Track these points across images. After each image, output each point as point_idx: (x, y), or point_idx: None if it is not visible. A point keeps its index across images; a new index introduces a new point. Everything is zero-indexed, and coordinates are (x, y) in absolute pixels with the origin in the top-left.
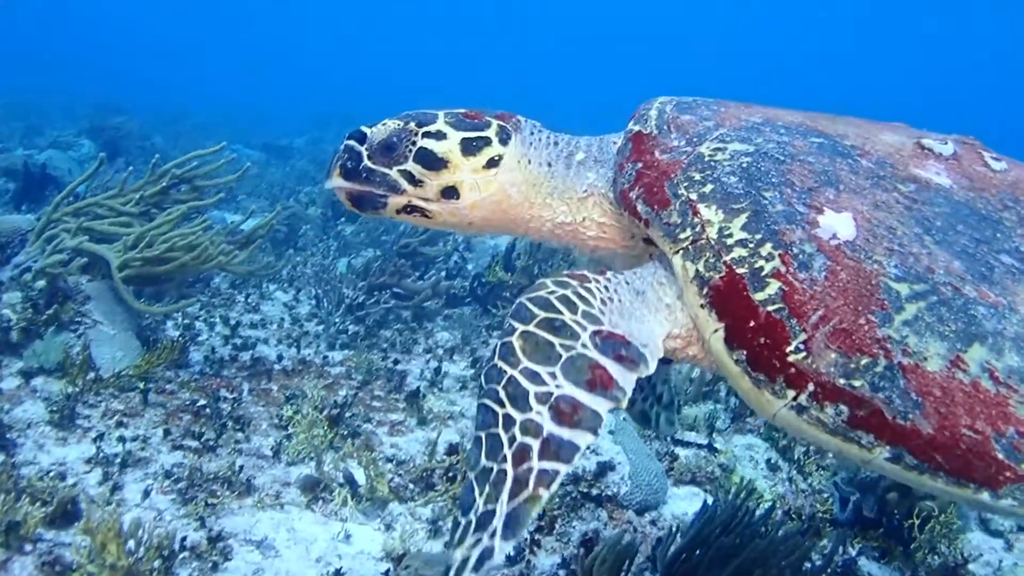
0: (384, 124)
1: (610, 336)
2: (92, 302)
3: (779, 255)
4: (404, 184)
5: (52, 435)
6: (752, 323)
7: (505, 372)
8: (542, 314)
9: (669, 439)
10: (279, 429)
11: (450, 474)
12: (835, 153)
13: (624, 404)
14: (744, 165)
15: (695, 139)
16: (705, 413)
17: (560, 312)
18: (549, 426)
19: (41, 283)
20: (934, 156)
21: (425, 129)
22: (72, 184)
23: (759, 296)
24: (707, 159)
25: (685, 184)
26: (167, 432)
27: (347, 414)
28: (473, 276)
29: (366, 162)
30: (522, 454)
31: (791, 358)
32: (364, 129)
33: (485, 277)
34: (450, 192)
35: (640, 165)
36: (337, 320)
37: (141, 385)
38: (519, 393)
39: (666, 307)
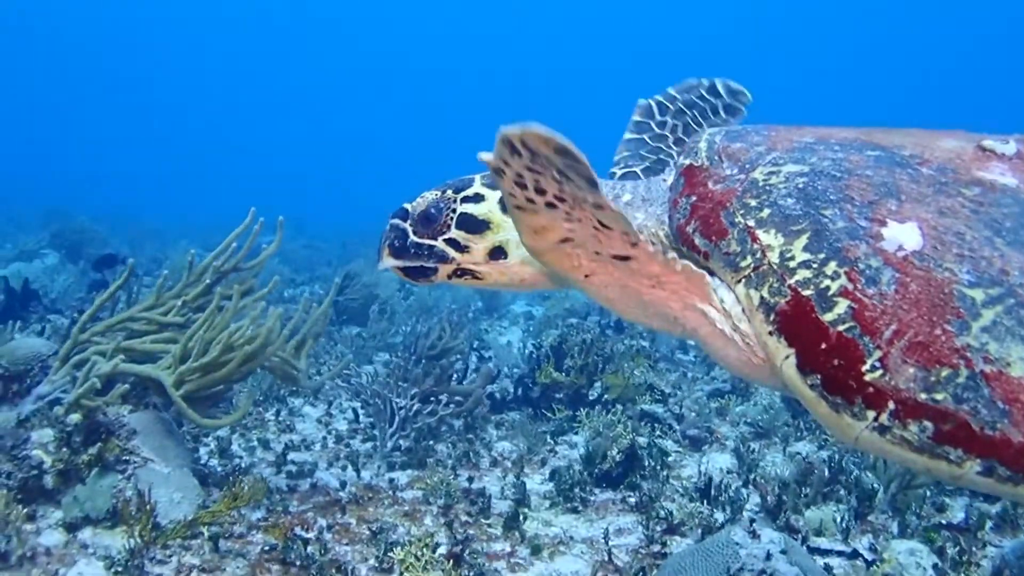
0: (423, 197)
1: None
2: (139, 436)
3: (845, 272)
4: (451, 252)
5: None
6: (824, 345)
7: None
8: None
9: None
10: (382, 573)
11: None
12: (893, 164)
13: None
14: (800, 186)
15: (747, 166)
16: (832, 515)
17: None
18: None
19: (76, 417)
20: (996, 157)
21: (463, 194)
22: (99, 299)
23: (828, 317)
24: (762, 184)
25: (741, 212)
26: None
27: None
28: (518, 377)
29: (412, 237)
30: None
31: (868, 377)
32: (406, 206)
33: (537, 378)
34: (497, 252)
35: (694, 198)
36: (390, 436)
37: (206, 531)
38: None
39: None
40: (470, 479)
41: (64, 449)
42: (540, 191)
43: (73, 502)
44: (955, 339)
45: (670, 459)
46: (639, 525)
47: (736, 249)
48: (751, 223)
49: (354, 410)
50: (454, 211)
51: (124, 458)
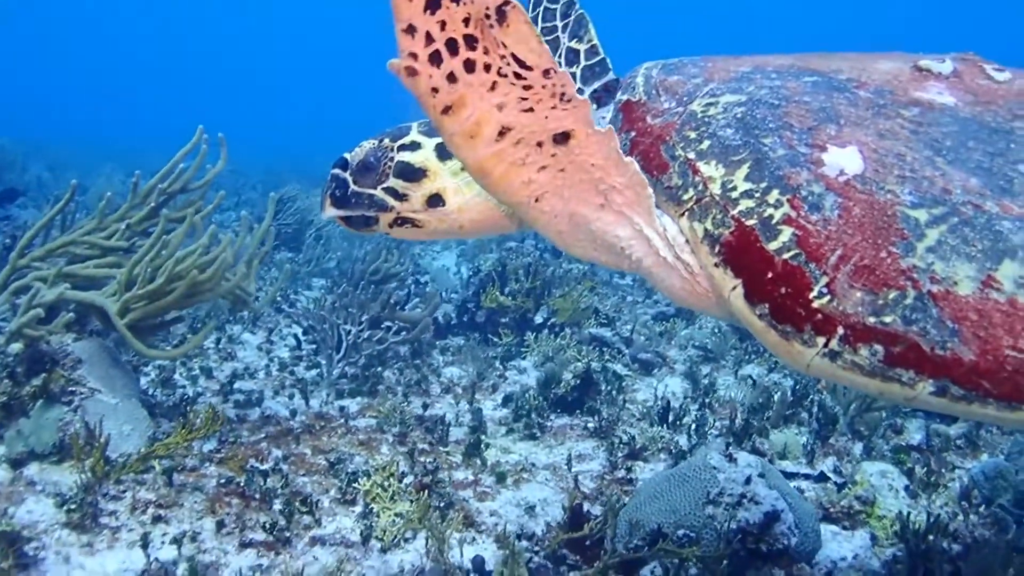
0: (361, 146)
1: None
2: (84, 366)
3: (787, 200)
4: (391, 201)
5: (75, 542)
6: (770, 274)
7: None
8: None
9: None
10: (346, 505)
11: (589, 542)
12: (831, 89)
13: None
14: (739, 115)
15: (685, 98)
16: (795, 438)
17: None
18: None
19: (17, 346)
20: (934, 76)
21: (400, 142)
22: (40, 222)
23: (773, 245)
24: (700, 116)
25: (681, 144)
26: (220, 524)
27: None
28: (461, 302)
29: (352, 187)
30: None
31: (816, 304)
32: (346, 155)
33: (482, 303)
34: (435, 200)
35: (634, 133)
36: (337, 363)
37: (157, 465)
38: None
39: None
40: (424, 406)
41: (6, 381)
42: (453, 51)
43: (17, 436)
44: (901, 261)
45: (623, 383)
46: (600, 451)
47: (678, 182)
48: (691, 155)
49: (295, 336)
50: (392, 160)
51: (70, 389)
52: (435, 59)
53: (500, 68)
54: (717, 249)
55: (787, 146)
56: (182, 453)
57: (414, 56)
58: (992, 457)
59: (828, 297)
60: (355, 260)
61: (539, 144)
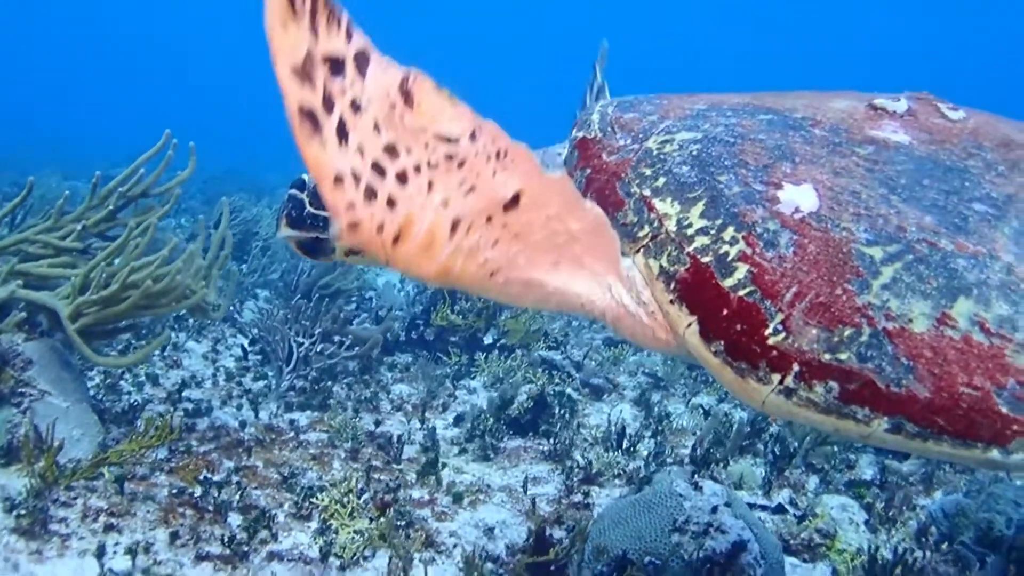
0: None
1: None
2: (34, 367)
3: (743, 237)
4: None
5: (24, 548)
6: (725, 311)
7: None
8: None
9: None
10: (301, 520)
11: (555, 567)
12: (786, 127)
13: None
14: (694, 153)
15: (641, 135)
16: (751, 469)
17: None
18: None
19: None
20: (888, 115)
21: None
22: None
23: (728, 282)
24: (656, 153)
25: (637, 181)
26: (175, 535)
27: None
28: (410, 319)
29: (308, 208)
30: None
31: (771, 340)
32: (304, 176)
33: (432, 320)
34: None
35: (589, 171)
36: (287, 376)
37: (106, 472)
38: None
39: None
40: (377, 423)
41: None
42: (381, 172)
43: None
44: (856, 298)
45: (576, 407)
46: (555, 474)
47: (633, 219)
48: (647, 192)
49: (242, 347)
50: None
51: (20, 390)
52: (369, 194)
53: (429, 160)
54: (673, 286)
55: (742, 183)
56: (133, 461)
57: (352, 206)
58: (948, 494)
59: (783, 334)
60: (300, 272)
61: (488, 219)
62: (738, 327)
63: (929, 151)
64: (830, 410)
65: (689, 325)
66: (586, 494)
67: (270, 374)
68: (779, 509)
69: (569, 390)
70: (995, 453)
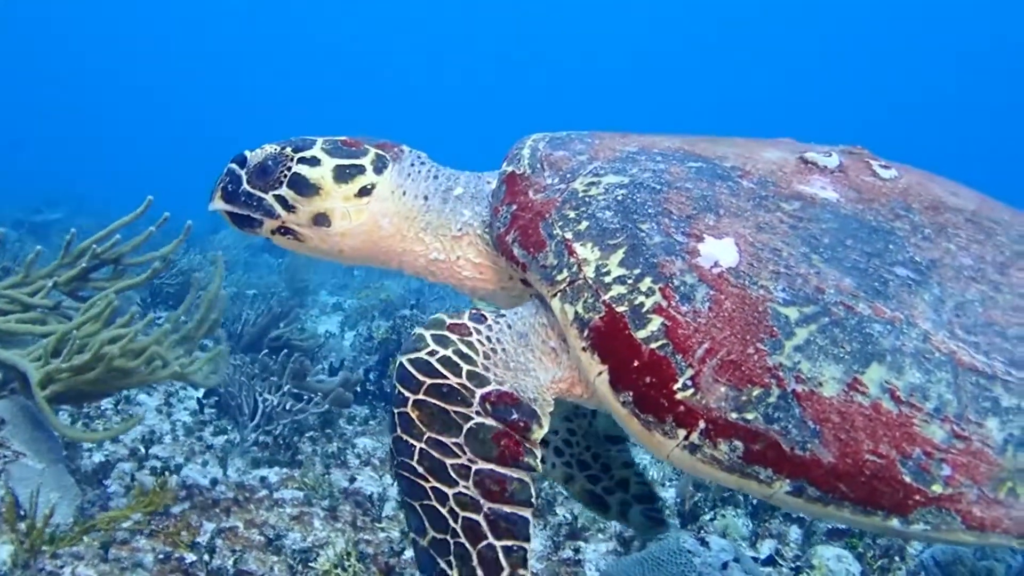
0: (263, 148)
1: (499, 399)
2: (7, 427)
3: (659, 289)
4: (278, 209)
5: None
6: (636, 363)
7: (413, 445)
8: (428, 380)
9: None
10: None
11: None
12: (714, 176)
13: (538, 467)
14: (619, 198)
15: (568, 175)
16: (733, 520)
17: (444, 376)
18: (485, 502)
19: None
20: (818, 170)
21: (300, 155)
22: None
23: (641, 334)
24: (581, 195)
25: (560, 223)
26: None
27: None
28: (366, 369)
29: (245, 186)
30: (474, 531)
31: (679, 396)
32: (246, 153)
33: (390, 371)
34: (322, 219)
35: (515, 207)
36: (252, 431)
37: (87, 538)
38: (436, 466)
39: (551, 351)
40: (352, 479)
41: None
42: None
43: None
44: (768, 358)
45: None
46: (539, 529)
47: (553, 262)
48: (568, 236)
49: (198, 400)
50: (289, 169)
51: None
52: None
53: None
54: (586, 333)
55: (664, 233)
56: (113, 526)
57: None
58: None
59: (692, 390)
60: (244, 322)
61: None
62: (648, 379)
63: (856, 210)
64: (733, 469)
65: (600, 374)
66: (576, 550)
67: (229, 428)
68: (769, 561)
69: None
70: (895, 522)
